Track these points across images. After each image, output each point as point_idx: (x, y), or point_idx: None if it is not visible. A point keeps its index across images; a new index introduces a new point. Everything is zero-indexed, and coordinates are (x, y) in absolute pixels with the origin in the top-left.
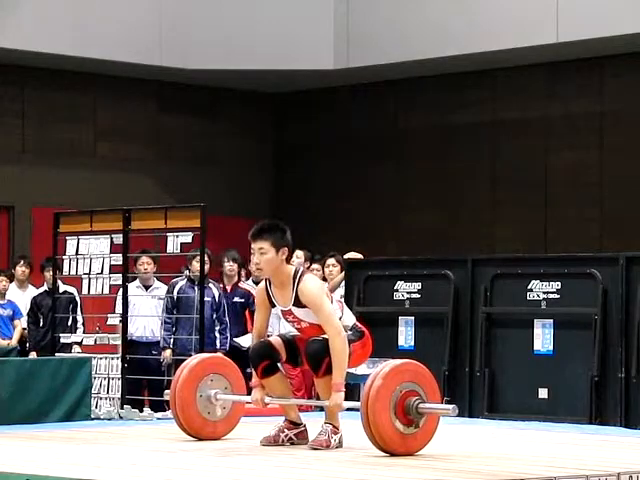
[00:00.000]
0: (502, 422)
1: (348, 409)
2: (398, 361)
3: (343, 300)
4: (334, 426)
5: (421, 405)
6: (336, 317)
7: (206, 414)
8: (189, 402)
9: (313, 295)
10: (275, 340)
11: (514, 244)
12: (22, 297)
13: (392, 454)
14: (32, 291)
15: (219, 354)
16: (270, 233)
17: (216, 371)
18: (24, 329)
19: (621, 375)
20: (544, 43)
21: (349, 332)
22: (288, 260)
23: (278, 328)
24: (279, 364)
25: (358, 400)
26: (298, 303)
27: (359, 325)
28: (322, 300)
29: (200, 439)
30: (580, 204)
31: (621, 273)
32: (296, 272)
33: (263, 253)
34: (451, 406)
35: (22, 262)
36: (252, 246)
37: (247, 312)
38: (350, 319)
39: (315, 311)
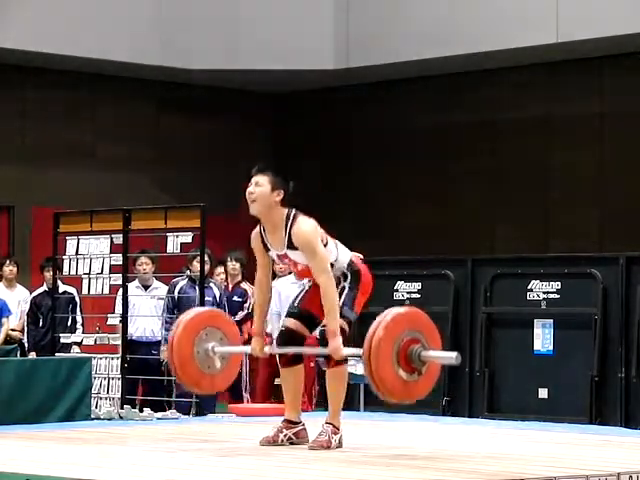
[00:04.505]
0: (502, 422)
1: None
2: (400, 309)
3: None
4: (334, 426)
5: (424, 353)
6: (328, 263)
7: (206, 368)
8: (187, 359)
9: (306, 239)
10: (293, 324)
11: (514, 244)
12: (11, 297)
13: (396, 400)
14: (21, 290)
15: (214, 308)
16: (272, 172)
17: (210, 324)
18: (12, 329)
19: (621, 375)
20: (544, 43)
21: (346, 283)
22: (282, 204)
23: (278, 327)
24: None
25: (355, 405)
26: (292, 245)
27: (355, 262)
28: (315, 244)
29: (201, 392)
30: (580, 204)
31: (621, 273)
32: (288, 214)
33: (258, 186)
34: (454, 354)
35: (8, 262)
36: (251, 181)
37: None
38: (346, 256)
39: (307, 255)
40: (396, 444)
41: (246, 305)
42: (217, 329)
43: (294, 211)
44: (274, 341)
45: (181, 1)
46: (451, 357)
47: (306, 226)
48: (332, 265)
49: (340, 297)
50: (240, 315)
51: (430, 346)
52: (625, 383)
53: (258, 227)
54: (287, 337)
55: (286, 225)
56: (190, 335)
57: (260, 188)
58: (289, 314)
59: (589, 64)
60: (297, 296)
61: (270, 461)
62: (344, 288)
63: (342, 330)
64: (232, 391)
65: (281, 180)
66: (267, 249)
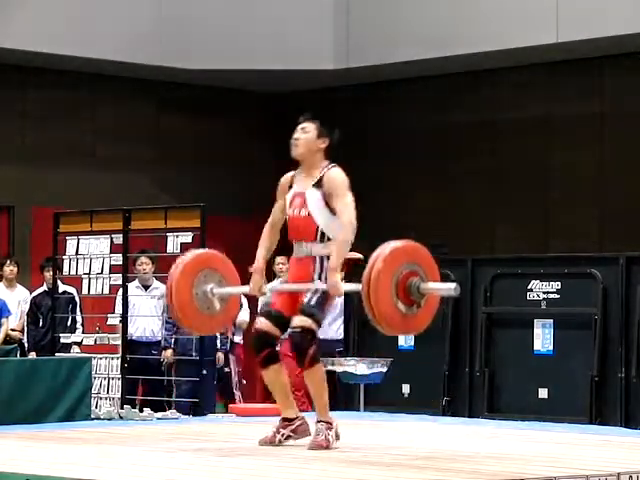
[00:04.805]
0: (502, 422)
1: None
2: (398, 242)
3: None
4: (327, 422)
5: (423, 285)
6: (353, 208)
7: (205, 310)
8: (187, 301)
9: (340, 181)
10: (264, 325)
11: (514, 244)
12: (11, 297)
13: (395, 333)
14: (21, 290)
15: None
16: (320, 122)
17: (208, 266)
18: (12, 330)
19: (621, 375)
20: (544, 43)
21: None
22: (325, 154)
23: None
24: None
25: (355, 405)
26: (319, 185)
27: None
28: (346, 188)
29: (200, 333)
30: (580, 204)
31: (621, 273)
32: (327, 164)
33: (305, 132)
34: (453, 284)
35: (9, 262)
36: (297, 128)
37: None
38: None
39: (336, 196)
40: (396, 444)
41: None
42: (215, 271)
43: (333, 163)
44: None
45: (181, 1)
46: (450, 288)
47: (342, 174)
48: (328, 239)
49: (312, 299)
50: None
51: (428, 279)
52: (625, 383)
53: (294, 172)
54: (260, 339)
55: (322, 170)
56: (188, 277)
57: (306, 134)
58: (261, 313)
59: (589, 64)
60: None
61: (270, 461)
62: (317, 291)
63: (311, 331)
64: (223, 390)
65: (329, 130)
66: (290, 188)
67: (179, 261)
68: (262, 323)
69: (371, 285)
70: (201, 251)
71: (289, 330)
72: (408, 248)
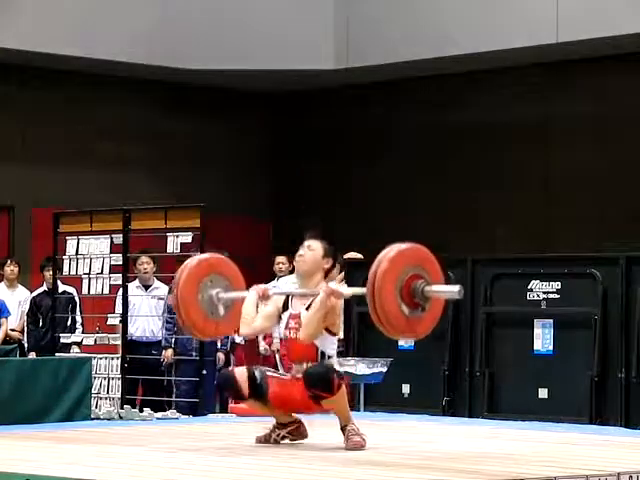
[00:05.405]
0: (502, 422)
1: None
2: (402, 245)
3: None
4: (354, 425)
5: (427, 288)
6: (338, 324)
7: (210, 314)
8: (191, 305)
9: (332, 301)
10: (240, 373)
11: (514, 244)
12: (12, 297)
13: (399, 336)
14: (22, 291)
15: (217, 255)
16: (326, 243)
17: (214, 271)
18: (12, 330)
19: (621, 375)
20: (544, 43)
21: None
22: (326, 275)
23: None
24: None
25: (355, 405)
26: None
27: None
28: (336, 305)
29: (204, 338)
30: (580, 204)
31: (621, 273)
32: (325, 284)
33: (311, 249)
34: (457, 287)
35: (9, 262)
36: (303, 244)
37: None
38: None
39: (320, 307)
40: (396, 444)
41: None
42: (222, 276)
43: (329, 283)
44: (274, 339)
45: (181, 1)
46: (453, 291)
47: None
48: (329, 357)
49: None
50: None
51: (433, 282)
52: (625, 383)
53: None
54: (224, 380)
55: (317, 292)
56: (194, 282)
57: (313, 252)
58: (249, 367)
59: (589, 64)
60: (273, 369)
61: (270, 461)
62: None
63: (330, 365)
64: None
65: (333, 252)
66: (285, 308)
67: (185, 265)
68: (239, 373)
69: (376, 287)
70: (207, 255)
71: (308, 368)
72: (413, 250)
